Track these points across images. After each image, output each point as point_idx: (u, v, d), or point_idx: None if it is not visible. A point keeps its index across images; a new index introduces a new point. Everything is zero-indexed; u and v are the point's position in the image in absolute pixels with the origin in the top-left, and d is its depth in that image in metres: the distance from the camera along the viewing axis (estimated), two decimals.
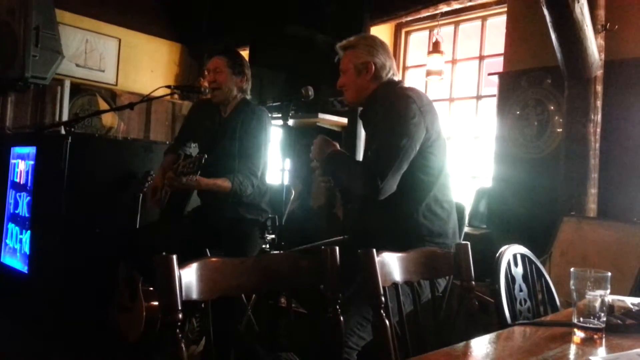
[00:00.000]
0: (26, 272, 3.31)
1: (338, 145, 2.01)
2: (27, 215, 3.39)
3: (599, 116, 2.72)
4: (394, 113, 1.85)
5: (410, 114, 1.82)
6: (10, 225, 3.59)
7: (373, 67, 1.97)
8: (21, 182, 3.50)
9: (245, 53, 4.74)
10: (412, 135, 1.81)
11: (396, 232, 1.87)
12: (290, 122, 4.00)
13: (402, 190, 1.84)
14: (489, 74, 3.54)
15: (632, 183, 2.71)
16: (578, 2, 2.44)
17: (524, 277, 1.71)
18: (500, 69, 3.39)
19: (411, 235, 1.86)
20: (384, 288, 1.30)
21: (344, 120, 3.91)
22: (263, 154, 2.54)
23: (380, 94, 1.98)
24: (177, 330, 0.97)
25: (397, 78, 2.05)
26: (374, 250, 1.29)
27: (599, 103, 2.72)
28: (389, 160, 1.79)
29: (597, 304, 1.19)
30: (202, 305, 1.07)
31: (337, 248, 1.28)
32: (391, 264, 1.37)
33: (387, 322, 1.26)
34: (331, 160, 1.96)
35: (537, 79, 3.09)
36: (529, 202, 3.01)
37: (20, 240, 3.44)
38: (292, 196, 3.08)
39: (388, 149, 1.80)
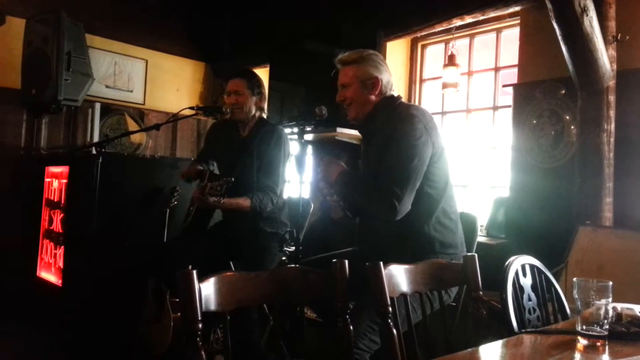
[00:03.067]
0: (60, 285, 3.46)
1: (344, 165, 2.04)
2: (61, 231, 3.55)
3: (613, 126, 2.74)
4: (402, 134, 1.88)
5: (417, 133, 1.87)
6: (46, 241, 3.75)
7: (380, 83, 2.02)
8: (55, 200, 3.67)
9: (265, 69, 4.88)
10: (421, 155, 1.86)
11: (409, 247, 1.91)
12: (310, 136, 4.12)
13: (413, 207, 1.89)
14: (504, 86, 3.58)
15: None
16: (587, 15, 2.48)
17: (533, 287, 1.75)
18: (516, 79, 3.43)
19: (424, 250, 1.90)
20: (392, 298, 1.37)
21: None
22: (282, 170, 2.65)
23: (382, 109, 2.02)
24: (198, 339, 1.07)
25: (395, 93, 2.09)
26: (381, 263, 1.37)
27: (612, 113, 2.73)
28: (403, 181, 1.83)
29: (601, 313, 1.23)
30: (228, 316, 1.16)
31: (347, 261, 1.36)
32: (398, 276, 1.44)
33: (394, 330, 1.33)
34: (343, 182, 1.98)
35: (551, 89, 3.12)
36: (546, 211, 3.02)
37: (55, 255, 3.60)
38: (312, 209, 3.16)
39: (401, 171, 1.84)
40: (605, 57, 2.64)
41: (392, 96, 2.07)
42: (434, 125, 1.96)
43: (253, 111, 2.75)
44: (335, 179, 1.99)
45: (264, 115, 2.83)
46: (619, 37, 2.72)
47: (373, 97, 2.03)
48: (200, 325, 1.07)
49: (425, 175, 1.90)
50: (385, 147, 1.91)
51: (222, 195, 2.33)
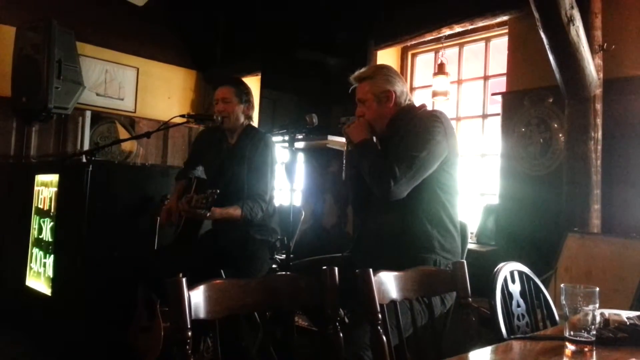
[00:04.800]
0: (49, 294, 3.43)
1: (372, 137, 2.07)
2: (50, 239, 3.52)
3: (600, 134, 2.77)
4: (420, 127, 1.95)
5: (435, 131, 1.93)
6: (35, 250, 3.72)
7: (394, 95, 2.07)
8: (45, 208, 3.64)
9: (257, 78, 4.91)
10: (432, 151, 1.91)
11: (410, 242, 1.94)
12: (301, 144, 4.13)
13: (420, 203, 1.94)
14: (493, 94, 3.61)
15: (635, 198, 2.75)
16: (573, 24, 2.52)
17: (522, 293, 1.76)
18: (504, 87, 3.47)
19: (423, 246, 1.94)
20: (381, 305, 1.38)
21: None
22: (270, 177, 2.66)
23: (402, 116, 2.07)
24: (187, 347, 1.07)
25: (416, 103, 2.15)
26: (371, 270, 1.37)
27: (599, 121, 2.77)
28: (406, 167, 1.88)
29: (589, 318, 1.24)
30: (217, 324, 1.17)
31: (337, 268, 1.36)
32: (388, 283, 1.45)
33: (384, 338, 1.33)
34: (363, 147, 2.02)
35: (539, 98, 3.16)
36: (535, 218, 3.05)
37: (44, 264, 3.57)
38: (303, 217, 3.17)
39: (407, 157, 1.89)
40: (591, 66, 2.68)
41: (413, 105, 2.13)
42: (452, 133, 2.01)
43: (241, 119, 2.77)
44: (357, 142, 2.04)
45: (252, 123, 2.85)
46: (605, 47, 2.77)
47: (390, 109, 2.08)
48: (189, 333, 1.07)
49: (437, 178, 1.96)
50: (402, 139, 1.97)
51: (208, 208, 2.34)
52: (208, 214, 2.36)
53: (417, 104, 2.15)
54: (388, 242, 1.98)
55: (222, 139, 2.82)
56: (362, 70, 2.14)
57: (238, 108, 2.73)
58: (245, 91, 2.78)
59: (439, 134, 1.93)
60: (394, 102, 2.08)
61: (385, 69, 2.15)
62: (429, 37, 3.82)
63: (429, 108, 2.17)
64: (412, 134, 1.95)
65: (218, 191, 2.34)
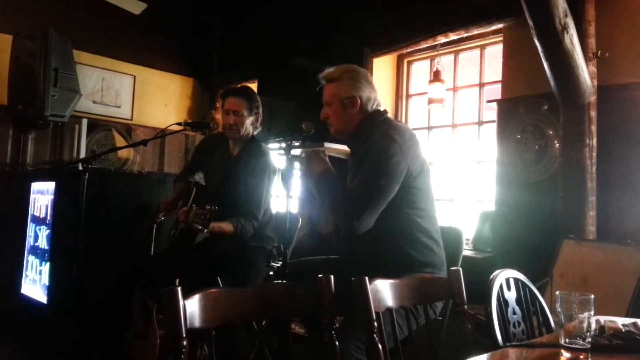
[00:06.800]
0: (45, 302, 3.42)
1: (327, 159, 2.02)
2: (46, 247, 3.51)
3: (594, 140, 2.79)
4: (375, 152, 1.88)
5: (390, 153, 1.86)
6: (31, 258, 3.71)
7: (359, 102, 2.01)
8: (41, 216, 3.64)
9: (253, 85, 4.92)
10: (391, 175, 1.85)
11: (388, 266, 1.86)
12: (297, 151, 4.13)
13: (391, 226, 1.89)
14: (488, 101, 3.63)
15: (630, 205, 2.76)
16: (567, 32, 2.53)
17: (517, 300, 1.76)
18: (499, 94, 3.49)
19: (401, 268, 1.85)
20: (377, 313, 1.38)
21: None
22: (265, 195, 2.65)
23: (365, 125, 2.01)
24: (182, 356, 1.07)
25: (381, 108, 2.09)
26: (367, 277, 1.37)
27: (593, 128, 2.78)
28: (366, 200, 1.84)
29: (584, 326, 1.24)
30: (213, 332, 1.16)
31: (332, 276, 1.36)
32: (384, 291, 1.45)
33: (379, 346, 1.33)
34: (320, 182, 1.98)
35: (534, 105, 3.17)
36: (531, 225, 3.06)
37: (40, 271, 3.56)
38: (300, 224, 3.17)
39: (366, 189, 1.85)
40: (586, 73, 2.69)
41: (377, 112, 2.06)
42: (412, 144, 1.94)
43: (249, 131, 2.74)
44: (317, 173, 1.99)
45: (256, 132, 2.82)
46: (599, 54, 2.79)
47: (355, 115, 2.02)
48: (184, 342, 1.07)
49: (404, 196, 1.90)
50: (361, 164, 1.92)
51: (205, 225, 2.33)
52: (205, 230, 2.35)
53: (381, 109, 2.08)
54: (366, 267, 1.88)
55: (224, 149, 2.80)
56: (331, 70, 2.05)
57: (248, 120, 2.70)
58: (256, 103, 2.74)
59: (395, 154, 1.86)
60: (360, 108, 2.01)
61: (353, 72, 2.05)
62: (424, 45, 3.84)
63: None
64: (369, 157, 1.89)
65: (217, 208, 2.32)
